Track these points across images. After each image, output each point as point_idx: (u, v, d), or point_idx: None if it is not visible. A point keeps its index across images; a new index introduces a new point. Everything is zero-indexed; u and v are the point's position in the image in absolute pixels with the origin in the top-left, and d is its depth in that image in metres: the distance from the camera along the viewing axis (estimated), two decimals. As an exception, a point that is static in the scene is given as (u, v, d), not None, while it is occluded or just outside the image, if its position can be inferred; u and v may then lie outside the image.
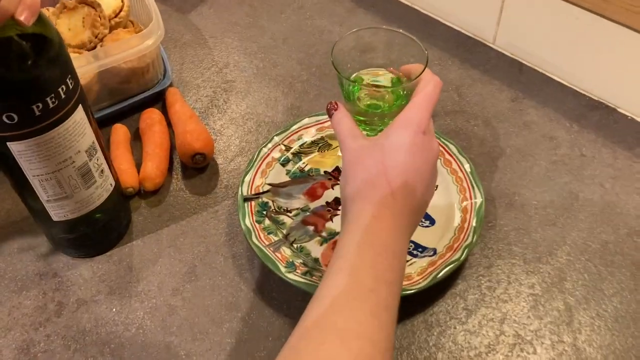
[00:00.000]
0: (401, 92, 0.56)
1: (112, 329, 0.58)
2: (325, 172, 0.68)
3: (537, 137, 0.73)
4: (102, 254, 0.63)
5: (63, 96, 0.51)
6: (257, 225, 0.62)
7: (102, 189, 0.59)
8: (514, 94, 0.78)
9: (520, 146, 0.72)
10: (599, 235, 0.63)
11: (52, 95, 0.50)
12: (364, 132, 0.59)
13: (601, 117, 0.74)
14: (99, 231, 0.63)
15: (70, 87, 0.52)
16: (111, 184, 0.61)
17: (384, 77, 0.59)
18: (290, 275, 0.57)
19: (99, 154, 0.58)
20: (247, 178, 0.65)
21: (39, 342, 0.57)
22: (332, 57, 0.54)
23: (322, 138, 0.71)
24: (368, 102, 0.57)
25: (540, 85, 0.79)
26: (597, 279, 0.60)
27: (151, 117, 0.72)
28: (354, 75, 0.58)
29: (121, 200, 0.65)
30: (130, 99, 0.77)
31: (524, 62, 0.82)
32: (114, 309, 0.59)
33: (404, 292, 0.56)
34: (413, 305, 0.58)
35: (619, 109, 0.75)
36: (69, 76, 0.51)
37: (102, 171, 0.59)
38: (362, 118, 0.57)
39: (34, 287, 0.61)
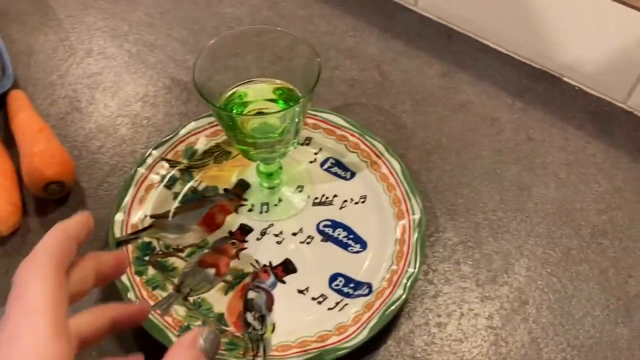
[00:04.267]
0: (288, 117, 0.43)
1: None
2: (225, 190, 0.54)
3: (477, 119, 0.61)
4: None
5: None
6: (136, 278, 0.47)
7: None
8: (445, 68, 0.65)
9: (458, 133, 0.60)
10: (560, 240, 0.53)
11: None
12: (258, 163, 0.49)
13: (546, 89, 0.64)
14: None
15: None
16: None
17: (268, 91, 0.47)
18: (186, 347, 0.43)
19: None
20: (119, 215, 0.50)
21: None
22: (195, 80, 0.40)
23: (217, 145, 0.56)
24: (254, 126, 0.44)
25: (474, 54, 0.67)
26: (563, 297, 0.50)
27: (-25, 143, 0.54)
28: (229, 92, 0.45)
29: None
30: (-42, 110, 0.58)
31: (453, 27, 0.69)
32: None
33: (336, 353, 0.43)
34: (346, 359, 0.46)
35: (564, 78, 0.64)
36: None
37: None
38: (246, 148, 0.44)
39: None
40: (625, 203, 0.55)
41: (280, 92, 0.48)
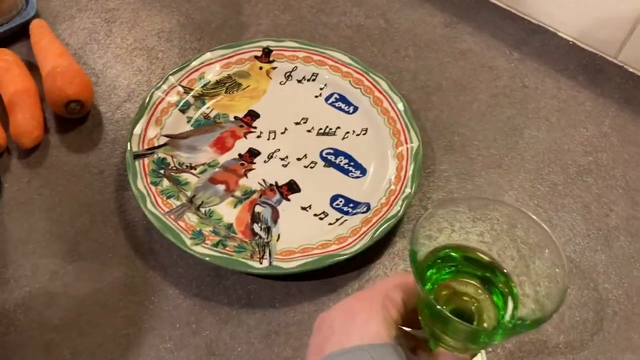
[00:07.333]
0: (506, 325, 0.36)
1: (-27, 330, 0.46)
2: (235, 117, 0.57)
3: (476, 67, 0.65)
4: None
5: None
6: (152, 188, 0.50)
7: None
8: (448, 19, 0.69)
9: (458, 78, 0.63)
10: (548, 177, 0.56)
11: None
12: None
13: (542, 43, 0.67)
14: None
15: None
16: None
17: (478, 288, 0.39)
18: (198, 248, 0.47)
19: None
20: (138, 129, 0.53)
21: None
22: (412, 244, 0.36)
23: (229, 76, 0.59)
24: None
25: (475, 8, 0.70)
26: (548, 226, 0.53)
27: (4, 60, 0.57)
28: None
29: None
30: (-16, 35, 0.61)
31: (456, -19, 0.72)
32: (-26, 304, 0.47)
33: (335, 259, 0.47)
34: (345, 270, 0.49)
35: (559, 33, 0.68)
36: None
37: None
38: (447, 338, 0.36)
39: None
40: (610, 146, 0.59)
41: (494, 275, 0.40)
